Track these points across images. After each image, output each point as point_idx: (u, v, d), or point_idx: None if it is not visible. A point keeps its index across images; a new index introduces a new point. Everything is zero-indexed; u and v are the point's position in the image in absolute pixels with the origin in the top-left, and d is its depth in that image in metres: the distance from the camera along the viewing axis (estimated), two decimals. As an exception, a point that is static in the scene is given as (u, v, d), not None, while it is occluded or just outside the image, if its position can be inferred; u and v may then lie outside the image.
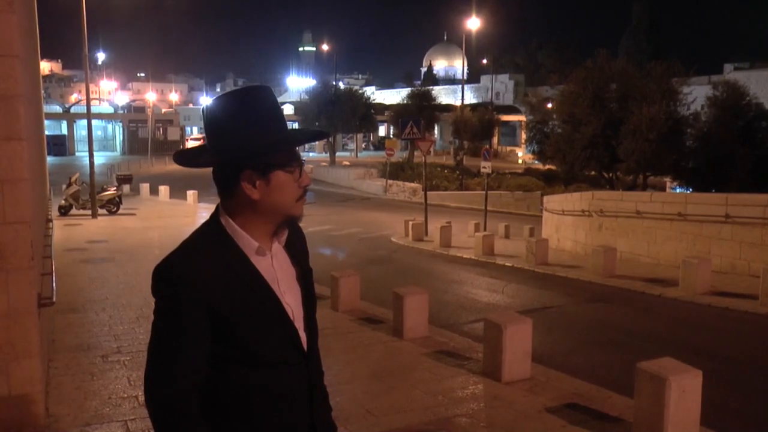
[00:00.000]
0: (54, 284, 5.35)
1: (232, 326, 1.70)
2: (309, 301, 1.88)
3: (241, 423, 1.75)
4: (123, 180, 31.20)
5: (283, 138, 1.76)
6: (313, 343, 1.87)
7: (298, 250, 1.92)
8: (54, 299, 5.05)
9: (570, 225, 17.30)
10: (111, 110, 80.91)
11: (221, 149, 1.74)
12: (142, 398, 5.42)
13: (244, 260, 1.74)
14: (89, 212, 21.23)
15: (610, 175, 31.93)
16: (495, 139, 63.38)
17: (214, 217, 1.80)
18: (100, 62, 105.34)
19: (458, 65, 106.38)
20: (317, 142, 66.82)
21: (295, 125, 76.47)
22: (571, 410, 5.31)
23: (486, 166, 22.45)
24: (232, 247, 1.74)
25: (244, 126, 1.72)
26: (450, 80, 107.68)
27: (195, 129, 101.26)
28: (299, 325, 1.82)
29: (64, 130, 70.48)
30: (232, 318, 1.69)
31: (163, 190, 30.32)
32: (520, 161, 61.11)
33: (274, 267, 1.80)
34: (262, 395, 1.75)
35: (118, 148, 75.04)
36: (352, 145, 75.44)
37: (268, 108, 1.76)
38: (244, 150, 1.71)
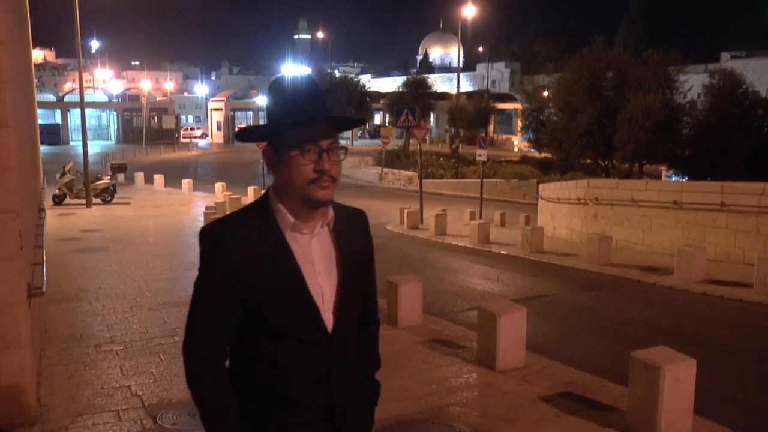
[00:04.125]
0: (45, 274, 5.30)
1: (257, 294, 1.80)
2: (346, 288, 1.92)
3: (259, 393, 1.86)
4: (117, 169, 30.94)
5: (287, 120, 1.83)
6: (341, 327, 1.90)
7: (351, 240, 1.97)
8: (44, 289, 5.00)
9: (565, 213, 17.29)
10: (105, 99, 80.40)
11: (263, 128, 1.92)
12: (134, 388, 5.40)
13: (278, 234, 1.84)
14: (83, 201, 21.15)
15: (606, 163, 31.95)
16: (491, 127, 63.42)
17: (267, 191, 1.92)
18: (94, 50, 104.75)
19: (454, 53, 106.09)
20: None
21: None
22: (566, 399, 5.30)
23: (482, 154, 22.40)
24: (271, 220, 1.85)
25: (272, 107, 1.89)
26: (446, 68, 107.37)
27: (190, 117, 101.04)
28: (328, 307, 1.88)
29: (58, 119, 70.10)
30: (257, 286, 1.79)
31: (158, 179, 30.24)
32: (516, 149, 61.08)
33: (312, 247, 1.88)
34: (279, 368, 1.84)
35: (113, 136, 74.69)
36: (347, 133, 75.20)
37: (295, 93, 1.86)
38: (266, 128, 1.88)
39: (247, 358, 1.88)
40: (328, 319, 1.88)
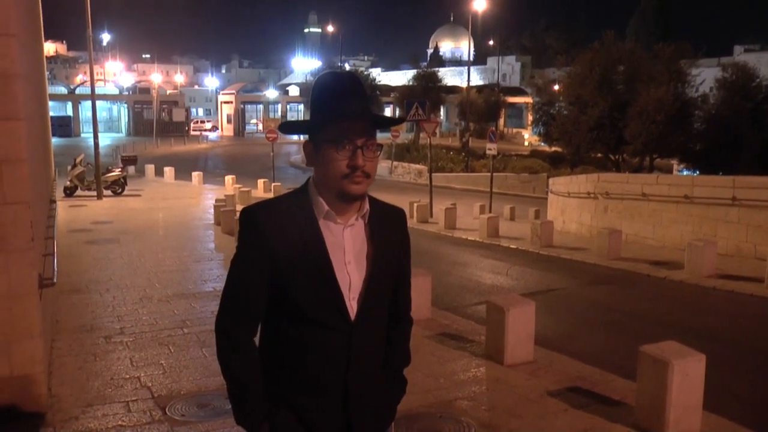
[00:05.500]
0: (55, 265, 5.33)
1: (286, 276, 1.88)
2: (374, 280, 1.97)
3: (282, 373, 1.95)
4: (128, 161, 31.22)
5: (325, 116, 1.89)
6: (365, 317, 1.96)
7: (386, 235, 2.03)
8: (55, 280, 5.04)
9: (575, 207, 17.23)
10: (116, 91, 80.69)
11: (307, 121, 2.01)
12: (144, 379, 5.43)
13: (311, 220, 1.92)
14: (94, 193, 21.27)
15: (617, 157, 31.81)
16: (501, 121, 63.20)
17: (307, 180, 2.01)
18: (105, 43, 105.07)
19: (464, 47, 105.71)
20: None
21: (300, 107, 76.21)
22: (574, 393, 5.29)
23: (492, 148, 22.32)
24: (307, 207, 1.93)
25: (314, 103, 1.96)
26: (456, 62, 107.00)
27: (200, 110, 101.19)
28: (354, 296, 1.94)
29: (70, 111, 70.43)
30: (287, 268, 1.88)
31: (168, 171, 30.34)
32: (526, 143, 60.84)
33: (345, 236, 1.94)
34: (301, 350, 1.92)
35: (123, 129, 75.02)
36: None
37: (335, 91, 1.92)
38: (307, 123, 1.97)
39: (273, 338, 1.97)
40: (352, 307, 1.94)
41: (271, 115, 78.72)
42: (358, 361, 1.96)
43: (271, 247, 1.87)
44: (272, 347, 1.98)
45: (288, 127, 2.10)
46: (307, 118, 2.05)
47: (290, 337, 1.93)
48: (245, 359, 1.93)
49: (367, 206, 1.98)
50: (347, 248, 1.94)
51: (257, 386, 1.93)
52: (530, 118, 46.82)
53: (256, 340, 2.01)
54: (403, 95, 49.33)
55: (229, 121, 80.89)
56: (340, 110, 1.88)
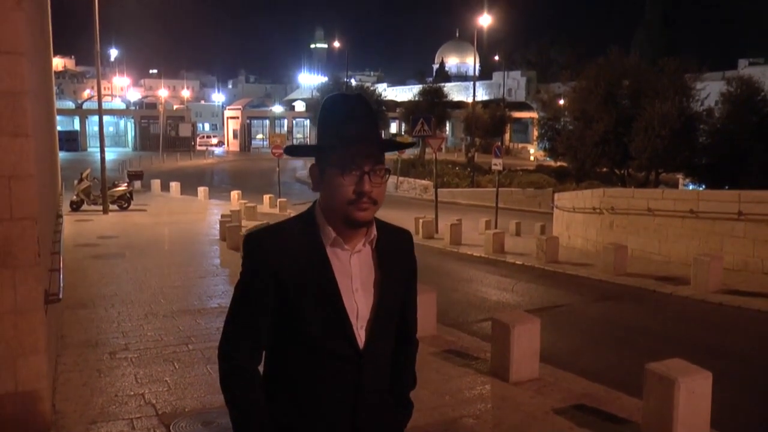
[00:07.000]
0: (61, 280, 5.35)
1: (292, 303, 1.83)
2: (382, 307, 1.93)
3: (288, 401, 1.90)
4: (134, 176, 31.29)
5: (332, 141, 1.85)
6: (373, 345, 1.91)
7: (393, 259, 1.98)
8: (61, 295, 5.05)
9: (581, 222, 17.20)
10: (123, 106, 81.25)
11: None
12: (148, 396, 5.42)
13: (318, 247, 1.87)
14: (100, 208, 21.34)
15: (622, 172, 31.80)
16: (506, 136, 63.22)
17: (313, 204, 1.96)
18: (112, 59, 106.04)
19: (470, 62, 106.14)
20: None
21: (306, 122, 76.42)
22: (579, 411, 5.25)
23: (497, 163, 22.38)
24: (314, 233, 1.88)
25: (321, 127, 1.91)
26: (462, 77, 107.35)
27: (206, 125, 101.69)
28: (361, 324, 1.89)
29: (77, 126, 70.87)
30: (293, 295, 1.83)
31: (174, 186, 30.44)
32: (531, 158, 60.89)
33: (352, 263, 1.90)
34: (309, 379, 1.87)
35: (130, 144, 75.37)
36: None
37: (343, 114, 1.87)
38: (313, 147, 1.93)
39: (278, 367, 1.92)
40: (360, 336, 1.89)
41: (278, 130, 78.98)
42: (367, 389, 1.92)
43: (276, 274, 1.82)
44: (277, 376, 1.93)
45: (294, 150, 2.07)
46: (313, 133, 2.01)
47: (296, 366, 1.89)
48: (248, 386, 1.87)
49: (374, 232, 1.93)
50: (354, 276, 1.89)
51: (261, 414, 1.86)
52: (536, 133, 46.91)
53: (260, 368, 1.98)
54: (409, 110, 49.49)
55: (235, 137, 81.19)
56: (346, 134, 1.82)
